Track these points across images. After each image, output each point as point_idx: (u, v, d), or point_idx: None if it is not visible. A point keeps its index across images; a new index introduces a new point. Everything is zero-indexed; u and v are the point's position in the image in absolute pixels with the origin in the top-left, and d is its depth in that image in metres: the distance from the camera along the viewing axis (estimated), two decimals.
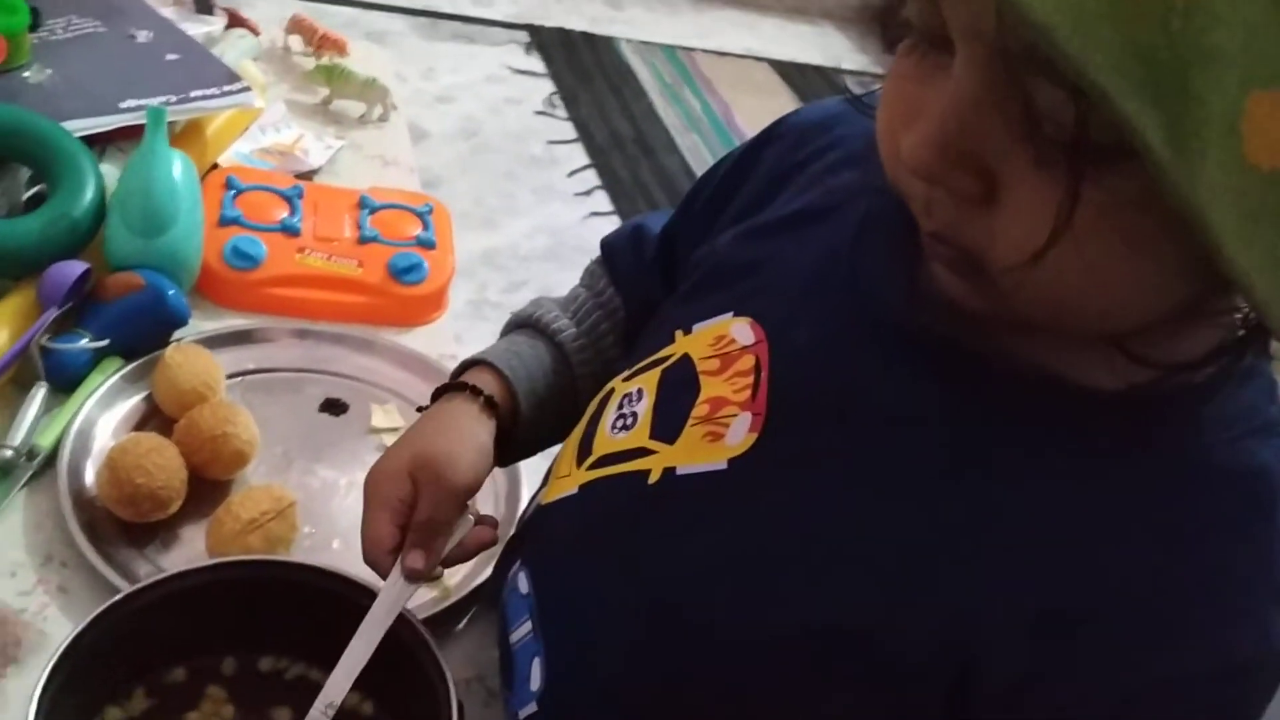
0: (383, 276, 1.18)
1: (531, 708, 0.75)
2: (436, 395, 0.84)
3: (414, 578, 0.77)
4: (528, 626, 0.76)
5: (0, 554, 0.87)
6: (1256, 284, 0.43)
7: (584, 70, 3.50)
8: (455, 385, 0.83)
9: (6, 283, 1.03)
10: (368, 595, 0.78)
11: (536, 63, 3.47)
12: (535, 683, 0.75)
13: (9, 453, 0.91)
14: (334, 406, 1.07)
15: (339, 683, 0.73)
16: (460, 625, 0.93)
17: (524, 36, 3.57)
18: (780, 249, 0.72)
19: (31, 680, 0.66)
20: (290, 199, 1.23)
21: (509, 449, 0.85)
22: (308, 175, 1.35)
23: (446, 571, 0.94)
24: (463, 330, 1.18)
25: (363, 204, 1.25)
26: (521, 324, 0.90)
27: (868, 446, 0.63)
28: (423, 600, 0.92)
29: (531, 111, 3.23)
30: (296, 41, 1.57)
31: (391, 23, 3.38)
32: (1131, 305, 0.52)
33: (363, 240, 1.21)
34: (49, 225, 1.03)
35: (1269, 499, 0.59)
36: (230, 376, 1.05)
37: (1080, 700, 0.57)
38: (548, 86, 3.37)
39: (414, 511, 0.77)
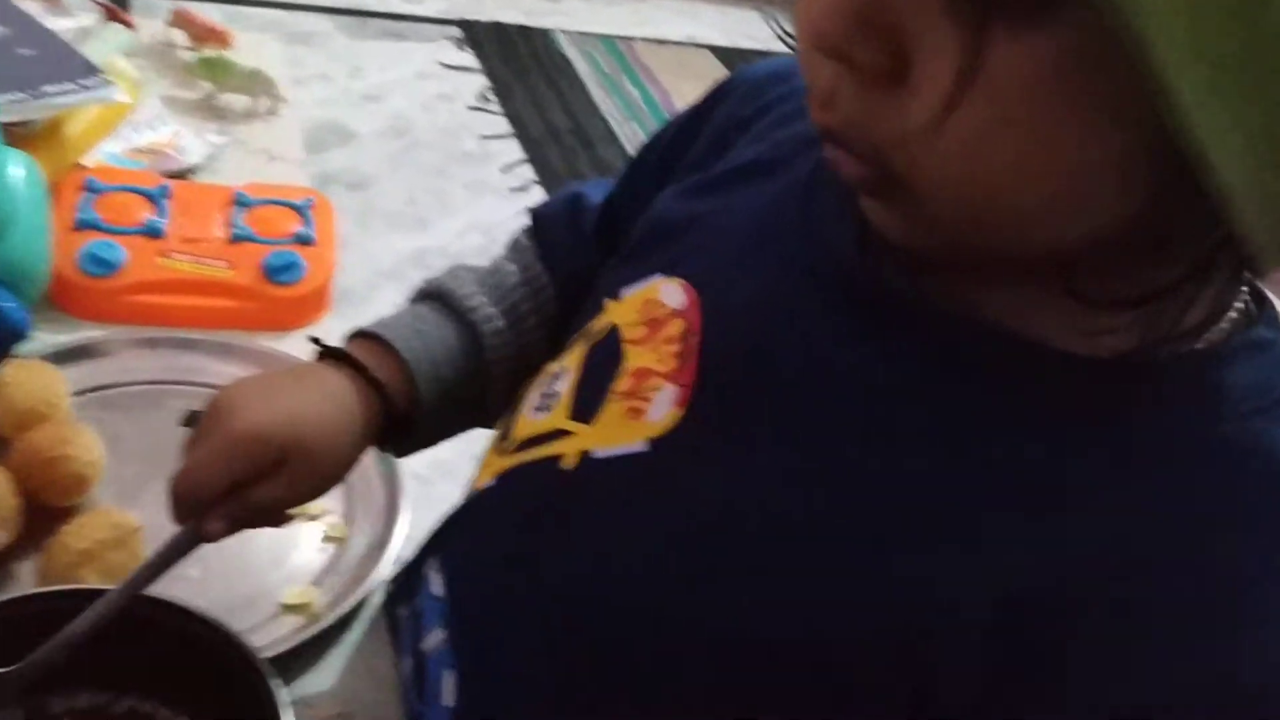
0: (256, 277, 1.09)
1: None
2: (323, 354, 0.73)
3: (204, 541, 0.67)
4: (441, 635, 0.67)
5: None
6: (1216, 159, 0.37)
7: (519, 64, 3.42)
8: (349, 359, 0.72)
9: None
10: (197, 621, 0.70)
11: (469, 58, 3.38)
12: (448, 698, 0.67)
13: None
14: (196, 420, 0.97)
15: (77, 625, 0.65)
16: (333, 653, 0.85)
17: (456, 32, 3.48)
18: (720, 204, 0.64)
19: None
20: (156, 199, 1.14)
21: (406, 441, 0.75)
22: (184, 174, 1.26)
23: (315, 591, 0.87)
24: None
25: (237, 201, 1.17)
26: (432, 295, 0.79)
27: (807, 420, 0.54)
28: (288, 628, 0.84)
29: (465, 107, 3.15)
30: (180, 36, 1.48)
31: (318, 23, 3.28)
32: (1068, 208, 0.44)
33: (234, 239, 1.12)
34: None
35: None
36: (81, 393, 0.97)
37: (1051, 713, 0.49)
38: (481, 81, 3.28)
39: (258, 483, 0.66)
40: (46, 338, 1.00)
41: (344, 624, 0.85)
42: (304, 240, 1.14)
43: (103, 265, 1.05)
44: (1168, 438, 0.50)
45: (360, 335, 0.75)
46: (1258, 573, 0.49)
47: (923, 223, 0.48)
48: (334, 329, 1.11)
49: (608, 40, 3.69)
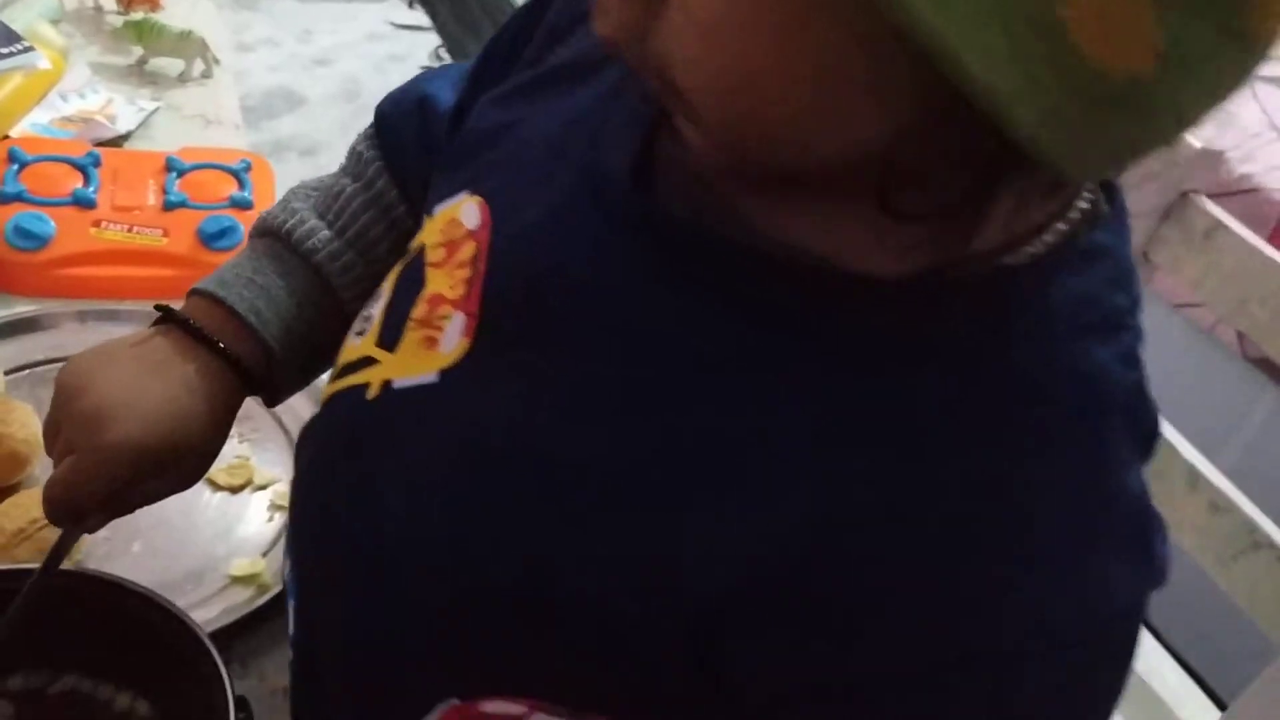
0: (191, 244, 1.06)
1: (290, 655, 0.67)
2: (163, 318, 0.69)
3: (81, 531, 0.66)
4: (288, 564, 0.66)
5: None
6: (970, 61, 0.36)
7: (471, 20, 3.36)
8: (191, 329, 0.67)
9: None
10: (135, 595, 0.68)
11: (421, 16, 3.33)
12: (290, 627, 0.66)
13: None
14: None
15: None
16: (279, 625, 0.82)
17: None
18: (528, 113, 0.60)
19: None
20: (85, 168, 1.10)
21: (269, 393, 0.72)
22: (117, 142, 1.23)
23: (264, 561, 0.84)
24: None
25: (169, 167, 1.13)
26: (269, 233, 0.72)
27: (584, 353, 0.51)
28: (237, 600, 0.82)
29: (417, 67, 3.10)
30: (108, 1, 1.44)
31: None
32: (829, 118, 0.42)
33: (168, 206, 1.09)
34: None
35: (1102, 413, 0.47)
36: (14, 370, 0.94)
37: (854, 669, 0.46)
38: (433, 40, 3.23)
39: (137, 483, 0.64)
40: None
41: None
42: (241, 204, 1.11)
43: (31, 239, 1.02)
44: (984, 367, 0.47)
45: (201, 295, 0.69)
46: (1078, 512, 0.46)
47: (710, 137, 0.46)
48: None
49: None
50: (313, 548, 0.62)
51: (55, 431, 0.65)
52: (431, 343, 0.56)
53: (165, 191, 1.10)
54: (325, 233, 0.72)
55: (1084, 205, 0.49)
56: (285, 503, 0.89)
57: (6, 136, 1.15)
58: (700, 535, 0.47)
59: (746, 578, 0.46)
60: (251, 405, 0.95)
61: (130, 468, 0.63)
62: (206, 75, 1.37)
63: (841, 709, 0.46)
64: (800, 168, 0.45)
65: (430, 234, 0.60)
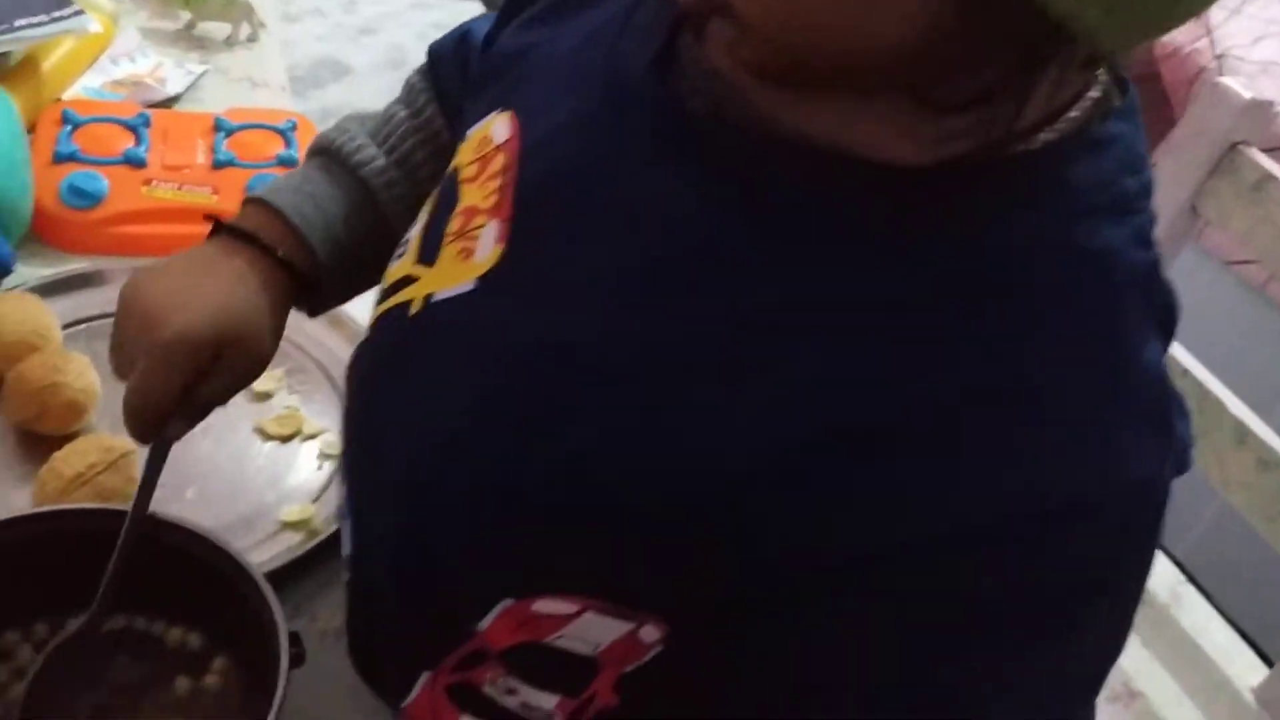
0: (240, 202, 1.07)
1: (347, 575, 0.69)
2: (216, 229, 0.72)
3: (168, 443, 0.68)
4: (343, 486, 0.68)
5: None
6: None
7: None
8: (243, 234, 0.70)
9: None
10: (195, 539, 0.70)
11: None
12: (347, 547, 0.69)
13: None
14: None
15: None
16: (329, 569, 0.84)
17: None
18: (550, 33, 0.62)
19: None
20: (135, 129, 1.12)
21: (314, 301, 0.74)
22: (167, 104, 1.24)
23: (314, 507, 0.86)
24: None
25: (218, 127, 1.15)
26: (321, 151, 0.76)
27: (615, 250, 0.53)
28: (288, 545, 0.84)
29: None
30: None
31: None
32: (874, 8, 0.43)
33: (217, 165, 1.11)
34: None
35: (1115, 287, 0.49)
36: (72, 324, 0.96)
37: (879, 543, 0.47)
38: (477, 9, 3.24)
39: (202, 381, 0.66)
40: (32, 272, 0.99)
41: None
42: (288, 163, 1.13)
43: (85, 197, 1.04)
44: (1003, 245, 0.48)
45: (251, 203, 0.73)
46: (1091, 382, 0.48)
47: (754, 39, 0.47)
48: None
49: None
50: (367, 465, 0.64)
51: (120, 349, 0.67)
52: (468, 253, 0.58)
53: (214, 151, 1.12)
54: (374, 150, 0.75)
55: (1095, 95, 0.50)
56: (333, 452, 0.91)
57: (59, 99, 1.17)
58: (724, 414, 0.49)
59: (769, 454, 0.48)
60: (300, 359, 0.98)
61: (191, 360, 0.65)
62: (252, 39, 1.39)
63: (869, 583, 0.48)
64: (838, 63, 0.46)
65: (463, 154, 0.62)
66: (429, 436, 0.57)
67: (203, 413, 0.69)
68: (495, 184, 0.58)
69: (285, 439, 0.92)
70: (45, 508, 0.76)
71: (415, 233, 0.64)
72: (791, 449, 0.48)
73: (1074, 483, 0.47)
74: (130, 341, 0.66)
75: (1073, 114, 0.49)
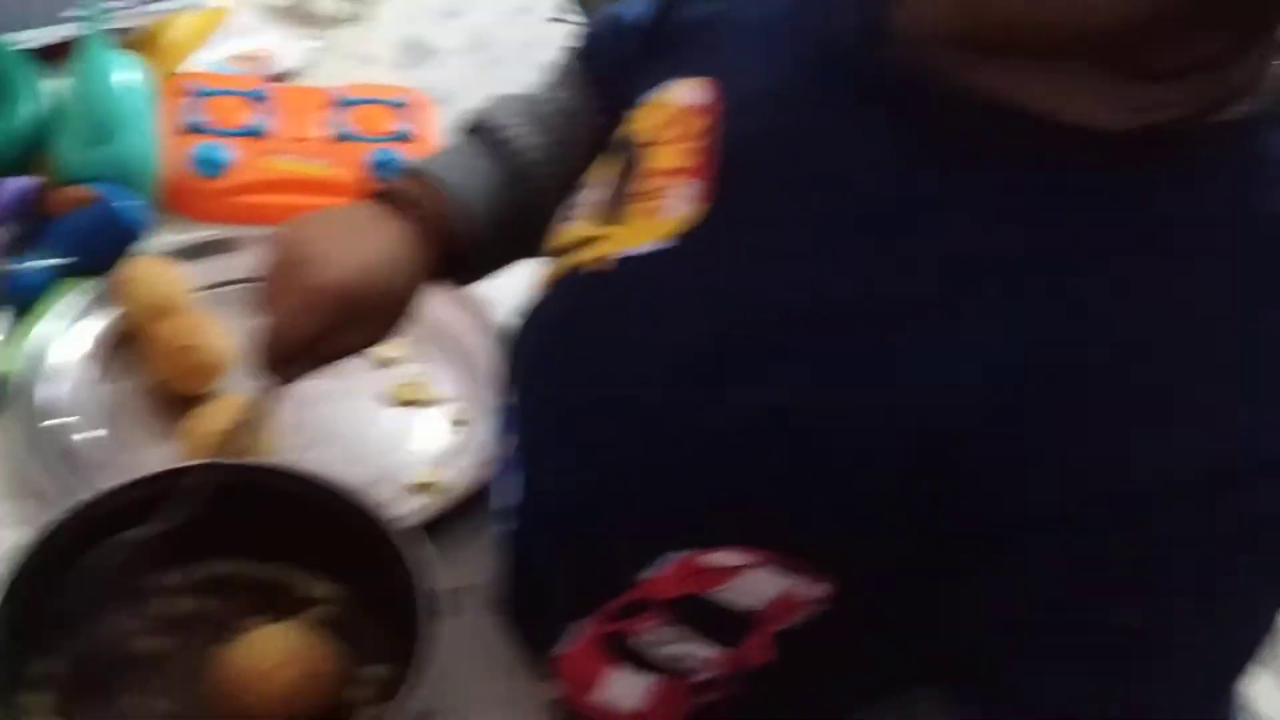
0: (359, 175, 1.10)
1: (514, 524, 0.70)
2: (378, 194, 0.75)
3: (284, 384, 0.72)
4: (513, 440, 0.71)
5: None
6: None
7: None
8: (405, 201, 0.73)
9: None
10: (336, 495, 0.72)
11: None
12: (511, 498, 0.71)
13: None
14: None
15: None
16: (462, 530, 0.86)
17: None
18: (739, 1, 0.64)
19: None
20: (257, 101, 1.15)
21: (463, 273, 0.77)
22: (281, 78, 1.27)
23: (440, 471, 0.88)
24: None
25: (336, 101, 1.17)
26: (474, 128, 0.80)
27: (821, 202, 0.55)
28: (415, 506, 0.85)
29: (544, 19, 3.12)
30: None
31: None
32: None
33: (337, 138, 1.13)
34: None
35: None
36: (203, 289, 0.98)
37: (1074, 497, 0.48)
38: None
39: (339, 331, 0.70)
40: (161, 238, 1.02)
41: (471, 503, 0.86)
42: (404, 137, 1.15)
43: (212, 166, 1.06)
44: (1195, 208, 0.49)
45: (411, 173, 0.76)
46: (1258, 342, 0.48)
47: (976, 8, 0.47)
48: None
49: None
50: (545, 417, 0.66)
51: (270, 284, 0.70)
52: (658, 212, 0.59)
53: (332, 125, 1.14)
54: (525, 129, 0.77)
55: None
56: (459, 418, 0.93)
57: (181, 72, 1.20)
58: (923, 366, 0.50)
59: (967, 406, 0.49)
60: (424, 329, 1.00)
61: (334, 309, 0.68)
62: (355, 17, 1.41)
63: (1058, 540, 0.49)
64: (1064, 33, 0.46)
65: (643, 120, 0.64)
66: (622, 387, 0.59)
67: (327, 362, 0.72)
68: (693, 145, 0.59)
69: (411, 405, 0.94)
70: (192, 461, 0.78)
71: (590, 198, 0.66)
72: (1006, 388, 0.49)
73: (1272, 446, 0.47)
74: (281, 279, 0.69)
75: (1267, 86, 0.49)
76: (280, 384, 0.72)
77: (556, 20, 3.14)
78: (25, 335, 0.90)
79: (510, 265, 0.81)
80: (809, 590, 0.55)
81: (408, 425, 0.93)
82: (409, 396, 0.94)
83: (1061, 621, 0.51)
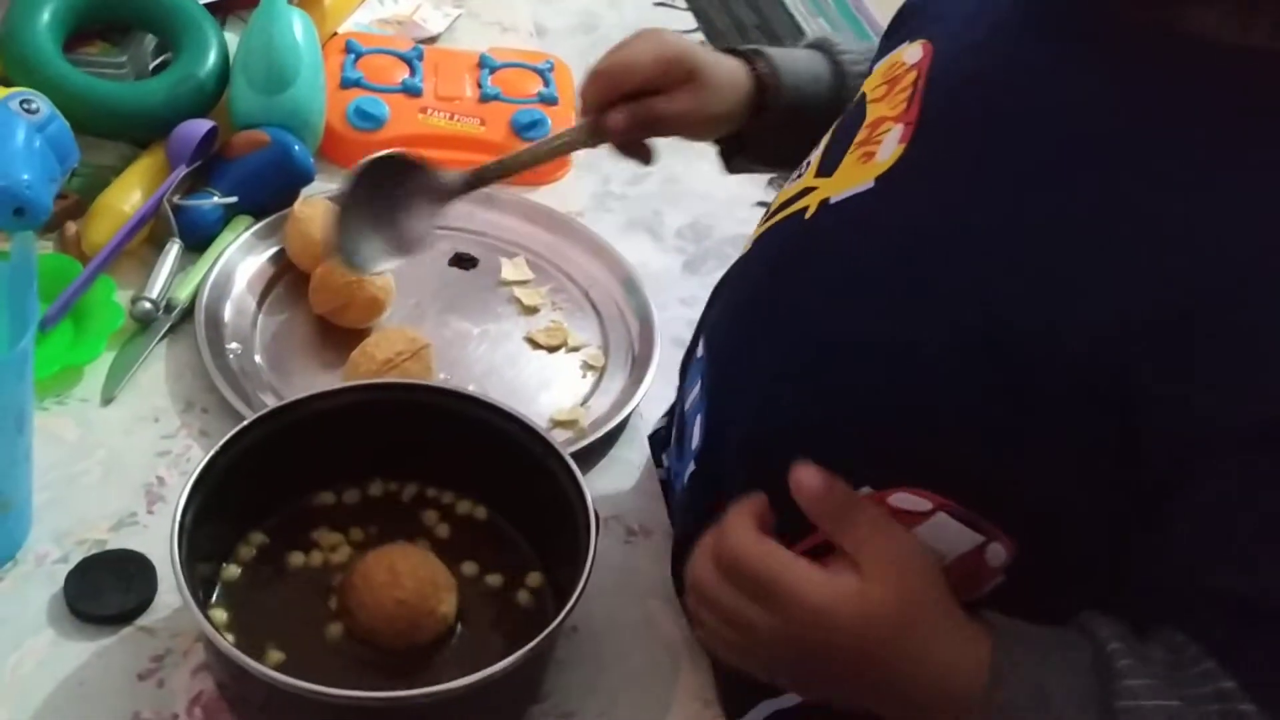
0: (506, 134, 1.15)
1: (692, 466, 0.74)
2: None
3: (605, 132, 0.80)
4: (698, 389, 0.75)
5: (144, 401, 0.88)
6: None
7: None
8: (750, 55, 0.85)
9: (137, 149, 1.04)
10: (512, 420, 0.77)
11: None
12: (695, 440, 0.75)
13: (148, 305, 0.92)
14: (463, 261, 1.06)
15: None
16: (596, 467, 0.91)
17: None
18: None
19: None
20: (410, 61, 1.21)
21: (755, 142, 0.87)
22: (427, 42, 1.33)
23: (583, 410, 0.93)
24: (586, 224, 1.14)
25: (483, 64, 1.23)
26: (817, 44, 0.90)
27: (1016, 134, 0.59)
28: (560, 439, 0.90)
29: (651, 3, 3.17)
30: None
31: None
32: None
33: (484, 99, 1.19)
34: (175, 87, 1.03)
35: None
36: None
37: (1252, 409, 0.51)
38: None
39: (664, 93, 0.78)
40: (321, 186, 1.08)
41: (608, 440, 0.91)
42: (547, 100, 1.20)
43: (369, 120, 1.13)
44: None
45: (758, 51, 0.87)
46: None
47: None
48: (575, 188, 1.18)
49: None
50: (737, 361, 0.70)
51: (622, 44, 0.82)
52: (869, 156, 0.64)
53: (480, 85, 1.20)
54: (855, 54, 0.86)
55: None
56: (596, 363, 0.98)
57: (338, 32, 1.26)
58: (1118, 281, 0.54)
59: (1151, 313, 0.52)
60: (562, 280, 1.05)
61: (670, 56, 0.79)
62: None
63: (1248, 461, 0.51)
64: None
65: (871, 81, 0.70)
66: (817, 327, 0.64)
67: (643, 126, 0.79)
68: (904, 94, 0.64)
69: (553, 349, 0.99)
70: (369, 380, 0.84)
71: (815, 156, 0.71)
72: (1168, 325, 0.52)
73: None
74: (624, 42, 0.81)
75: None
76: (596, 132, 0.80)
77: (663, 4, 3.19)
78: (199, 267, 0.97)
79: (775, 167, 0.91)
80: (991, 555, 0.58)
81: (552, 368, 0.98)
82: (552, 341, 0.99)
83: (1228, 558, 0.53)
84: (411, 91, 1.17)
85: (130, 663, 0.71)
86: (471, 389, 0.93)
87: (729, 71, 0.83)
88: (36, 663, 0.70)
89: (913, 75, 0.65)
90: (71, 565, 0.74)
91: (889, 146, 0.64)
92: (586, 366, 0.98)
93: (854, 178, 0.65)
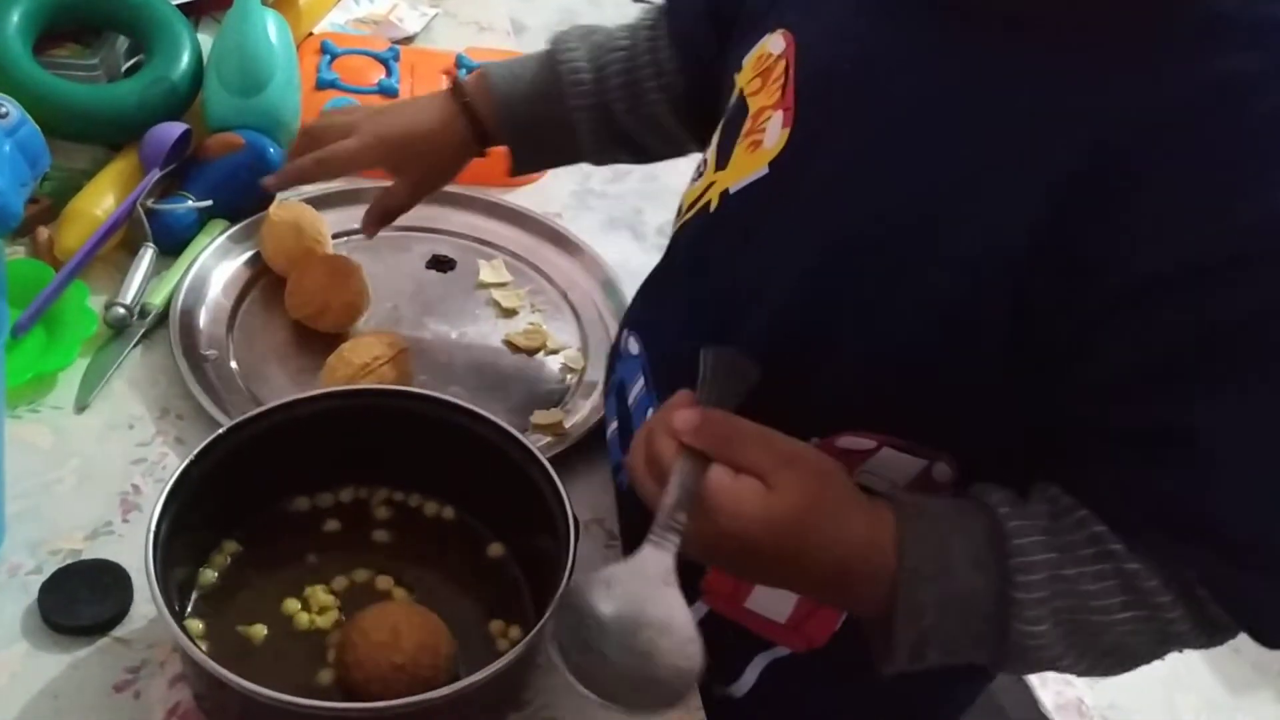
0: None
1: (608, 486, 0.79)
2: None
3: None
4: (641, 384, 0.80)
5: (118, 408, 0.87)
6: None
7: None
8: (457, 90, 0.92)
9: (110, 152, 1.03)
10: (490, 425, 0.76)
11: None
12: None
13: (122, 310, 0.91)
14: (441, 263, 1.05)
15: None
16: (577, 471, 0.90)
17: None
18: None
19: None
20: (386, 62, 1.20)
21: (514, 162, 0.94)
22: (403, 43, 1.32)
23: (563, 413, 0.92)
24: (566, 223, 1.14)
25: (459, 64, 1.22)
26: (550, 43, 0.93)
27: (883, 103, 0.62)
28: (541, 443, 0.90)
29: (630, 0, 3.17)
30: None
31: None
32: None
33: None
34: (147, 89, 1.02)
35: None
36: (335, 236, 1.03)
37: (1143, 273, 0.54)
38: None
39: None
40: (297, 190, 1.06)
41: (589, 443, 0.91)
42: None
43: None
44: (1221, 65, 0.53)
45: (475, 72, 0.94)
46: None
47: None
48: (555, 187, 1.17)
49: None
50: (678, 351, 0.71)
51: (338, 118, 0.94)
52: (757, 144, 0.68)
53: None
54: (579, 54, 0.90)
55: None
56: (575, 366, 0.97)
57: (313, 32, 1.25)
58: (1002, 174, 0.57)
59: (1088, 161, 0.54)
60: (540, 282, 1.05)
61: (383, 152, 0.92)
62: None
63: (1182, 298, 0.54)
64: None
65: (744, 76, 0.72)
66: (744, 307, 0.68)
67: (376, 221, 0.96)
68: (778, 83, 0.68)
69: (532, 352, 0.98)
70: (345, 386, 0.83)
71: (710, 153, 0.74)
72: (1101, 153, 0.54)
73: None
74: (353, 122, 0.92)
75: None
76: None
77: (642, 1, 3.18)
78: (173, 271, 0.96)
79: (544, 166, 1.01)
80: (938, 473, 0.64)
81: (531, 371, 0.97)
82: (531, 344, 0.98)
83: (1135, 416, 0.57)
84: (388, 92, 1.16)
85: (106, 674, 0.70)
86: (450, 392, 0.93)
87: (440, 134, 0.92)
88: (10, 676, 0.69)
89: (782, 64, 0.68)
90: (45, 576, 0.73)
91: (773, 133, 0.67)
92: (566, 369, 0.98)
93: (747, 166, 0.69)
